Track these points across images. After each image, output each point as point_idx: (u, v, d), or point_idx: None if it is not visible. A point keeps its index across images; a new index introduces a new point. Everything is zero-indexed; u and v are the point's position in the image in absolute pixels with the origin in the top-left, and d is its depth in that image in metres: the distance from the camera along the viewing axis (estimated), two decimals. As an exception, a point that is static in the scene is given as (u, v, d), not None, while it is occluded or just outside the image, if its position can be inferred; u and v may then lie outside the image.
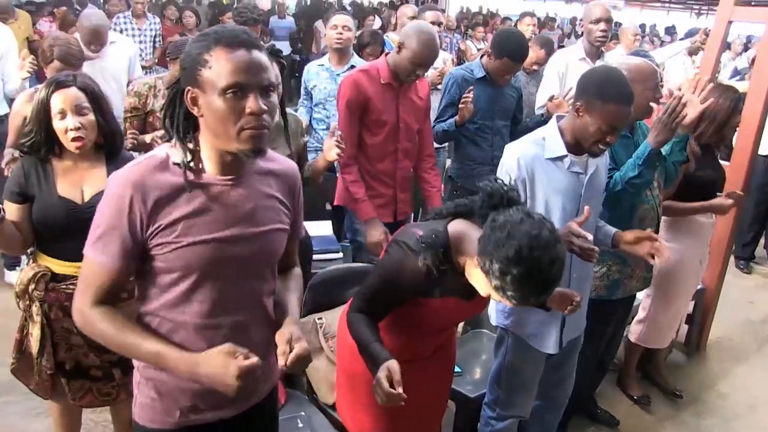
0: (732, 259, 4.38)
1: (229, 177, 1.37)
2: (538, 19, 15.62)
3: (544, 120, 3.18)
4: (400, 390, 1.50)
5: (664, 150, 2.34)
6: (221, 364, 1.28)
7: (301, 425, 2.17)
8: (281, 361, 1.37)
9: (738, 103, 2.84)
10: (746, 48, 8.53)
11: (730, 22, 3.46)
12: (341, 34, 3.62)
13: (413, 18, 4.78)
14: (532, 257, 1.45)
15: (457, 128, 3.27)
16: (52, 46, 2.90)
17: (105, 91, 2.11)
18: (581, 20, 15.24)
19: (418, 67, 2.71)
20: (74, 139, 1.91)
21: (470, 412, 2.50)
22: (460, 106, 3.16)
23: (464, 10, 15.80)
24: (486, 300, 1.88)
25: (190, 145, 1.33)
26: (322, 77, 3.67)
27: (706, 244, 3.19)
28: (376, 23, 7.56)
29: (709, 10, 20.64)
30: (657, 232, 2.56)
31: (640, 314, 3.19)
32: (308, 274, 2.48)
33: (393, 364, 1.55)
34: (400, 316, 1.78)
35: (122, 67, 4.19)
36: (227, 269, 1.38)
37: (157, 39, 6.33)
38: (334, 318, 2.35)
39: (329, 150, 2.50)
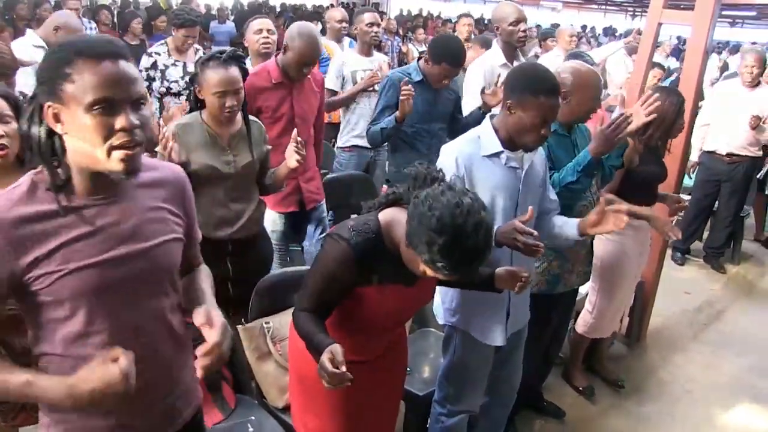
0: (668, 251, 4.54)
1: (104, 196, 1.28)
2: (482, 21, 15.89)
3: (483, 113, 3.22)
4: (343, 369, 1.47)
5: None
6: (100, 373, 1.18)
7: (251, 430, 2.16)
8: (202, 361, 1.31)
9: (682, 105, 2.92)
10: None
11: (660, 24, 3.60)
12: (267, 38, 3.54)
13: (341, 21, 4.73)
14: (455, 224, 1.47)
15: (396, 124, 3.21)
16: None
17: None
18: (488, 21, 15.30)
19: (304, 65, 2.96)
20: None
21: (420, 410, 2.52)
22: (401, 98, 3.11)
23: (404, 13, 15.90)
24: (432, 287, 1.90)
25: (58, 167, 1.23)
26: None
27: (648, 237, 3.29)
28: (318, 27, 7.51)
29: (643, 12, 21.41)
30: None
31: (588, 306, 3.27)
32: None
33: (335, 347, 1.52)
34: (347, 314, 1.78)
35: None
36: (120, 292, 1.30)
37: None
38: (281, 322, 2.34)
39: (290, 157, 2.49)
